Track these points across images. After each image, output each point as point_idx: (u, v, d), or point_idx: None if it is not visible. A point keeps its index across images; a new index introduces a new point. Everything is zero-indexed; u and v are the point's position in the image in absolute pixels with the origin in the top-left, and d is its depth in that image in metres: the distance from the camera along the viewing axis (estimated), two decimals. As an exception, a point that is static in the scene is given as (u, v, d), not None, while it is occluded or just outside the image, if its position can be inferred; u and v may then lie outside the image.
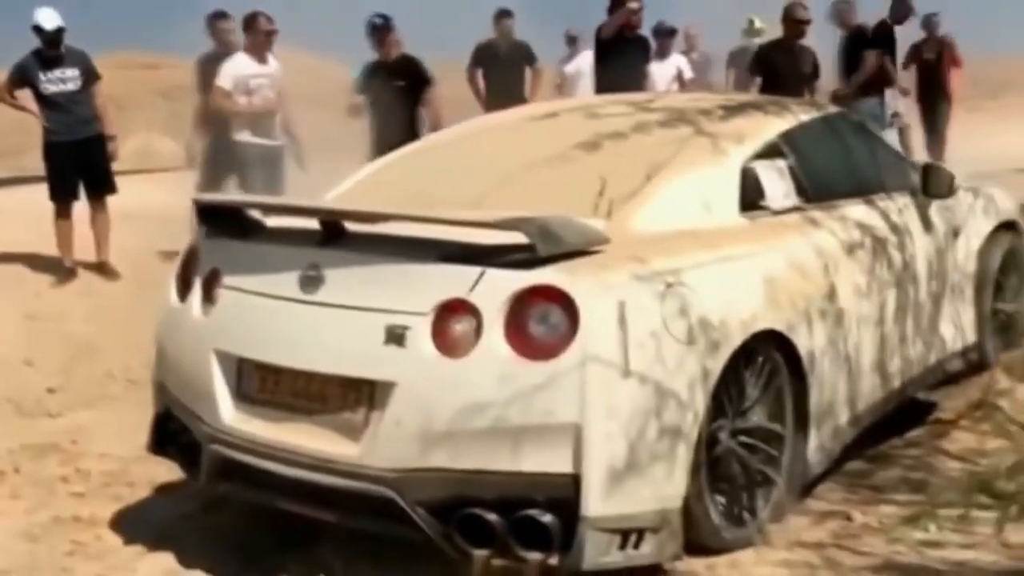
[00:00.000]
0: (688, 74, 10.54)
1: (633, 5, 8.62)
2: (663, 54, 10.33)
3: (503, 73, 9.77)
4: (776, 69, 8.79)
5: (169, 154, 8.89)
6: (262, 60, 8.22)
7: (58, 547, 4.10)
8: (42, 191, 8.18)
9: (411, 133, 8.02)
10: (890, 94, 10.45)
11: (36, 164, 8.72)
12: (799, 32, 8.96)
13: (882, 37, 10.92)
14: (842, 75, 9.81)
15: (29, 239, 8.34)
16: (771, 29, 10.53)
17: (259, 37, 8.20)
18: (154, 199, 8.90)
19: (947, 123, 11.20)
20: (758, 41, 10.80)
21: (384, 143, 7.84)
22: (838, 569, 3.46)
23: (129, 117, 9.40)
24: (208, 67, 8.65)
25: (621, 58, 8.66)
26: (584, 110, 4.73)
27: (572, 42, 11.26)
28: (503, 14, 9.94)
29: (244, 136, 8.11)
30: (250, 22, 8.23)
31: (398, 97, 8.25)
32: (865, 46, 9.73)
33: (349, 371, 3.35)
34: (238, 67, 8.14)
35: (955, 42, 11.53)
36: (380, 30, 8.38)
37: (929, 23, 11.43)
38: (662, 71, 10.12)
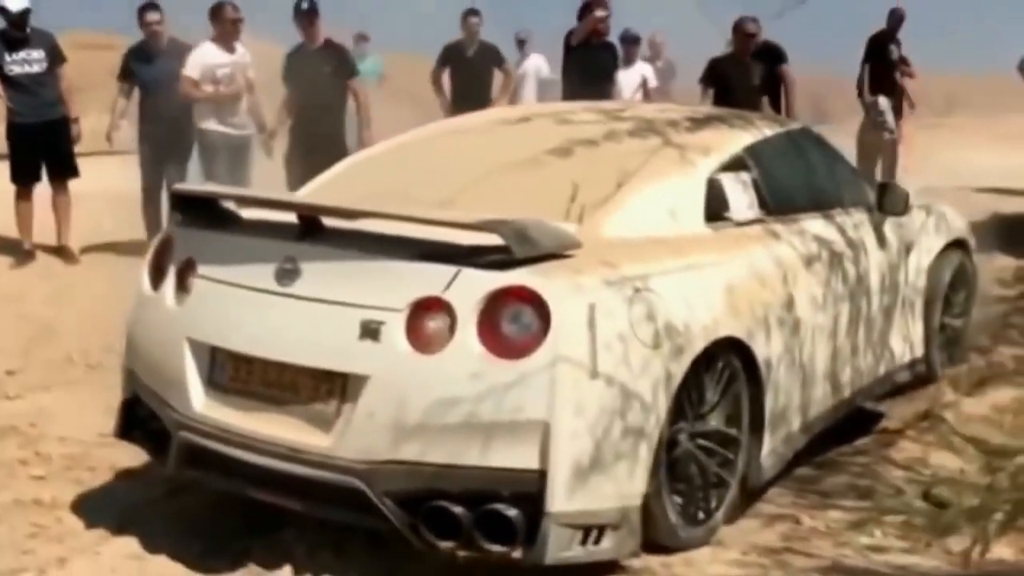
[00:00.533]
0: (653, 82, 10.61)
1: (600, 13, 8.72)
2: (629, 61, 10.39)
3: (470, 74, 9.73)
4: (727, 81, 8.95)
5: (125, 136, 8.85)
6: (229, 49, 8.21)
7: (19, 529, 4.11)
8: (2, 172, 8.13)
9: (336, 122, 8.03)
10: (884, 102, 10.65)
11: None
12: (749, 46, 9.13)
13: (875, 49, 11.14)
14: None
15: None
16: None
17: (226, 26, 8.18)
18: (111, 181, 8.83)
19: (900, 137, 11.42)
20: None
21: (308, 130, 7.87)
22: (788, 570, 3.58)
23: (85, 98, 9.30)
24: (127, 57, 8.52)
25: (589, 64, 8.74)
26: (556, 116, 4.82)
27: (521, 45, 11.35)
28: (470, 13, 9.89)
29: (210, 124, 8.11)
30: (217, 11, 8.20)
31: (323, 84, 8.10)
32: (779, 61, 9.74)
33: (323, 363, 3.42)
34: (205, 56, 8.14)
35: (908, 57, 11.75)
36: (306, 14, 8.22)
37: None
38: (628, 78, 10.19)
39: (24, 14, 7.86)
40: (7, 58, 7.83)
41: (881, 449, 4.77)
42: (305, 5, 8.17)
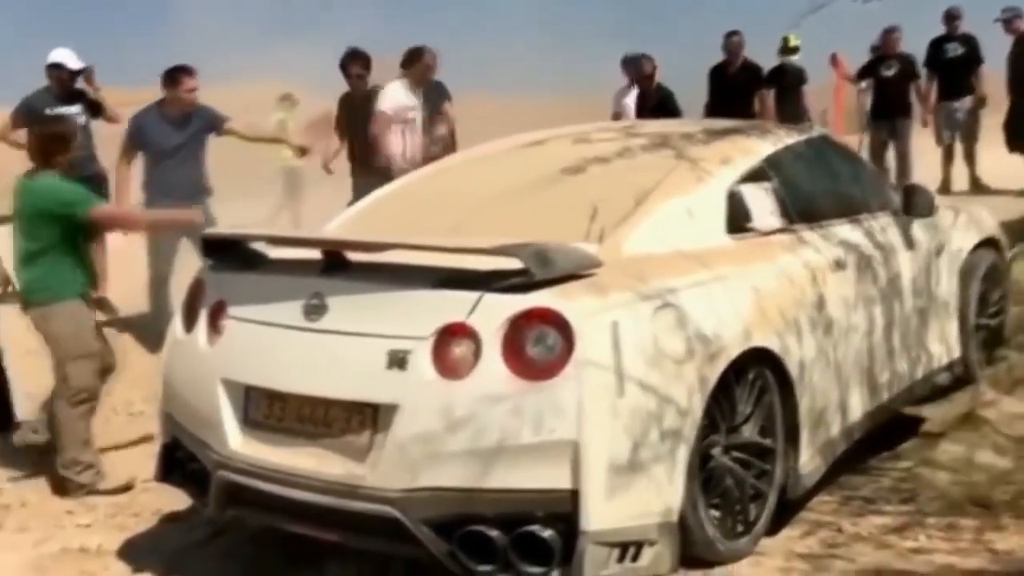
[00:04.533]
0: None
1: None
2: (632, 84, 10.16)
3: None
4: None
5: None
6: (417, 94, 8.27)
7: (67, 578, 4.17)
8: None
9: None
10: None
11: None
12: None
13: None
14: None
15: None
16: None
17: (420, 70, 8.26)
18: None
19: (910, 140, 11.18)
20: (795, 59, 10.90)
21: None
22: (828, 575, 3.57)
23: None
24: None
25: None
26: (574, 137, 4.85)
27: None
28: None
29: (399, 163, 8.03)
30: (415, 56, 8.23)
31: None
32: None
33: (353, 395, 3.46)
34: (399, 97, 8.17)
35: (915, 57, 11.28)
36: None
37: (887, 40, 11.13)
38: (631, 100, 10.02)
39: (80, 73, 7.98)
40: (49, 114, 7.91)
41: (923, 452, 4.72)
42: None
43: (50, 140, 5.36)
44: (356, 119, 8.27)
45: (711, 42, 10.72)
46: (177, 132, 7.56)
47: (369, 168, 7.93)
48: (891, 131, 10.95)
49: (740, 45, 10.36)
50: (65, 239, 5.17)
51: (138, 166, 7.77)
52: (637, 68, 9.71)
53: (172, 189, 7.43)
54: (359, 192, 8.07)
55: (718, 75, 10.54)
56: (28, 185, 5.26)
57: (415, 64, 8.23)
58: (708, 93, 10.53)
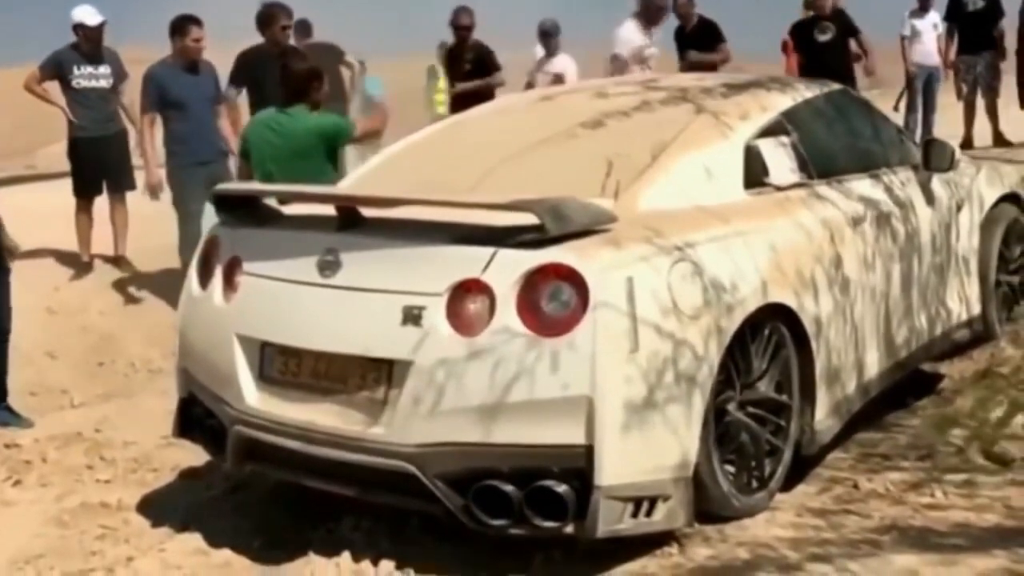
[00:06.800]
0: (572, 77, 9.31)
1: None
2: (550, 54, 9.62)
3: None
4: None
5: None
6: (648, 31, 8.40)
7: (88, 532, 4.21)
8: (50, 188, 8.21)
9: None
10: None
11: (45, 163, 8.72)
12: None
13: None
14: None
15: (44, 236, 8.40)
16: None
17: (652, 10, 8.40)
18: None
19: None
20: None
21: None
22: (843, 531, 3.56)
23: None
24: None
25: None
26: (592, 92, 4.81)
27: None
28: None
29: None
30: None
31: None
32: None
33: (368, 351, 3.45)
34: (633, 38, 8.22)
35: (849, 15, 9.96)
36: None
37: None
38: (544, 76, 9.43)
39: (101, 28, 7.95)
40: (76, 71, 7.91)
41: (941, 409, 4.71)
42: None
43: (308, 75, 5.46)
44: (267, 75, 6.94)
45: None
46: (200, 80, 7.40)
47: None
48: None
49: (689, 5, 9.76)
50: (331, 160, 5.38)
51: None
52: (455, 19, 9.34)
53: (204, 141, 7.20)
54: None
55: (679, 38, 9.93)
56: (284, 121, 5.38)
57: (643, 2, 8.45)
58: (677, 56, 10.04)
